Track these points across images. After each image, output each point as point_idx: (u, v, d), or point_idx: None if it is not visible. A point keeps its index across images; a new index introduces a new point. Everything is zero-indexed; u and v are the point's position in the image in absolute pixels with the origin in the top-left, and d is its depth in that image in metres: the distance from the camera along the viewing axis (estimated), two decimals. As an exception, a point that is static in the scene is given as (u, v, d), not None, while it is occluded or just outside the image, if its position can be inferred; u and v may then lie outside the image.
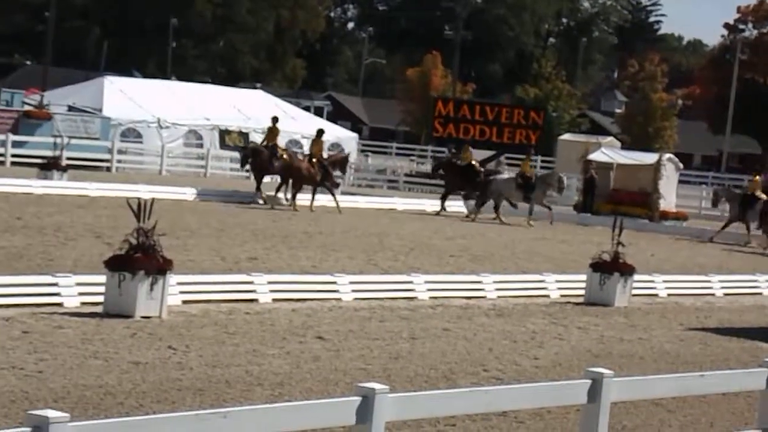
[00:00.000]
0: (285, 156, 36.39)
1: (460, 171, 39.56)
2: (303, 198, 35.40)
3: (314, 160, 35.92)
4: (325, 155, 37.92)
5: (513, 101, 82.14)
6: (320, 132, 37.80)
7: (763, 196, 37.73)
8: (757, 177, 39.96)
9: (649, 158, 46.57)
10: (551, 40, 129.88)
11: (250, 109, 53.48)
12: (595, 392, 8.82)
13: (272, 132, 37.24)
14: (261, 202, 35.51)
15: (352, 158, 54.30)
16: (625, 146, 61.56)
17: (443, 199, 39.35)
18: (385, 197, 43.10)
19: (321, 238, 27.31)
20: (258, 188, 36.36)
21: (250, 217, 31.17)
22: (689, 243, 36.32)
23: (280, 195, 35.82)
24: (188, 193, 35.54)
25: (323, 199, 36.14)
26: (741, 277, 25.14)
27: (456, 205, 41.07)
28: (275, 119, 37.91)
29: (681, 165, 47.90)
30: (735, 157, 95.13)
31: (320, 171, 35.67)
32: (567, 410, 11.39)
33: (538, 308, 19.55)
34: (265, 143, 37.20)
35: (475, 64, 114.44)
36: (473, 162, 40.02)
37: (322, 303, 17.80)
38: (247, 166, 38.43)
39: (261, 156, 36.34)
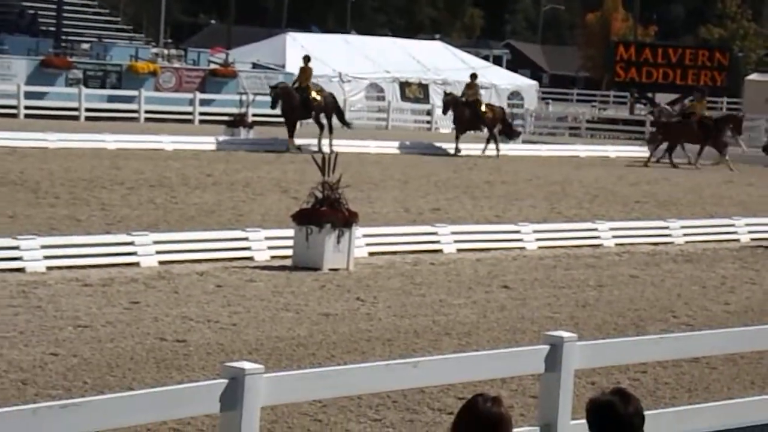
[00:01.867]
0: (318, 97, 33.81)
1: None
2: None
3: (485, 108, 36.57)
4: (481, 100, 37.93)
5: (697, 43, 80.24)
6: (473, 76, 38.35)
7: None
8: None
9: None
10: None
11: (430, 60, 53.49)
12: (789, 337, 8.65)
13: (304, 72, 34.92)
14: (295, 151, 32.78)
15: (532, 106, 53.96)
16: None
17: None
18: (567, 144, 42.69)
19: (503, 188, 27.25)
20: (290, 136, 33.62)
21: (431, 167, 31.27)
22: None
23: None
24: (371, 146, 35.79)
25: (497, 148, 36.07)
26: None
27: (637, 150, 40.42)
28: (307, 58, 35.39)
29: None
30: None
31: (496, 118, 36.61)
32: (761, 355, 11.18)
33: (728, 253, 19.17)
34: (297, 85, 34.72)
35: (657, 6, 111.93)
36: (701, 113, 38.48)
37: (507, 252, 17.80)
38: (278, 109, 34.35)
39: (292, 99, 33.54)
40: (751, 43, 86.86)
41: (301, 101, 33.74)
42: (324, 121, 33.87)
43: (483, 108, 36.95)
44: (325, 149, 30.69)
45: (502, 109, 39.62)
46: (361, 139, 36.76)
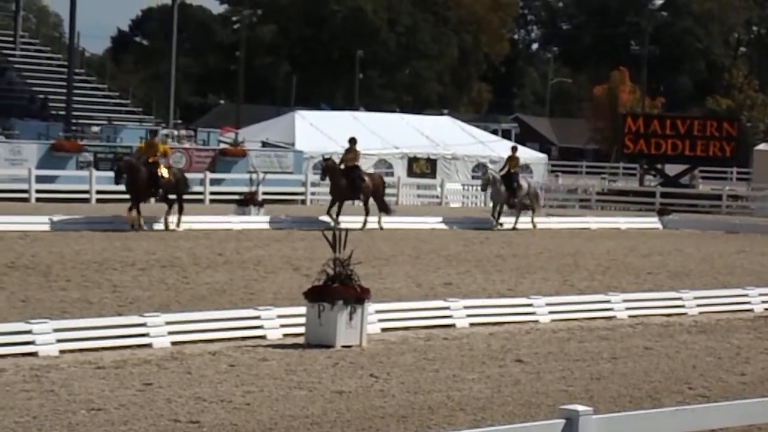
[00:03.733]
0: (166, 175, 31.55)
1: None
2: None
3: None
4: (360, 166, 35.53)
5: (704, 113, 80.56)
6: (352, 141, 35.59)
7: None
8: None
9: None
10: (742, 49, 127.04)
11: (438, 135, 53.77)
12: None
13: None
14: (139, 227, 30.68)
15: (542, 179, 54.07)
16: None
17: None
18: (577, 217, 42.73)
19: (515, 261, 27.23)
20: (133, 209, 30.94)
21: (442, 242, 31.29)
22: None
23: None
24: (375, 222, 35.81)
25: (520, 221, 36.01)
26: None
27: (643, 222, 40.44)
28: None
29: None
30: None
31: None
32: (778, 427, 11.08)
33: (742, 323, 19.09)
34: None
35: (663, 78, 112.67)
36: None
37: (520, 326, 17.75)
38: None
39: (138, 174, 31.27)
40: (759, 113, 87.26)
41: (147, 175, 31.32)
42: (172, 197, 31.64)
43: (362, 176, 34.53)
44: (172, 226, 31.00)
45: (381, 177, 37.21)
46: (370, 215, 36.78)
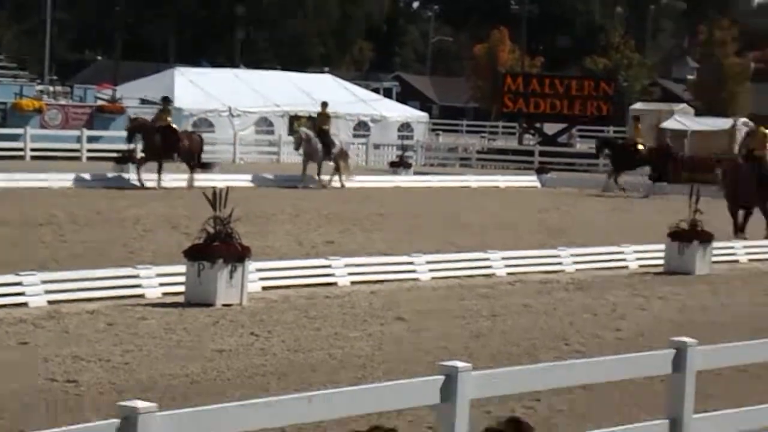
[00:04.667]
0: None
1: (621, 149, 39.05)
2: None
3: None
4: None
5: (582, 73, 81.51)
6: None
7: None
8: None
9: (724, 124, 46.07)
10: (618, 9, 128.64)
11: (320, 93, 53.59)
12: (679, 362, 8.78)
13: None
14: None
15: (422, 138, 54.29)
16: (699, 113, 60.88)
17: (613, 176, 38.60)
18: (457, 175, 43.04)
19: (395, 220, 27.34)
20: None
21: (322, 201, 31.27)
22: None
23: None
24: (254, 181, 35.64)
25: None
26: (823, 239, 24.77)
27: (522, 180, 40.90)
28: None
29: (756, 129, 47.19)
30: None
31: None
32: (652, 381, 11.31)
33: (618, 280, 19.44)
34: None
35: (542, 38, 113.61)
36: (637, 140, 39.30)
37: (401, 284, 17.84)
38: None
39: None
40: (636, 72, 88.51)
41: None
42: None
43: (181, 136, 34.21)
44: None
45: (200, 137, 36.38)
46: (252, 173, 36.61)
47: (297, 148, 37.24)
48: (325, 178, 35.75)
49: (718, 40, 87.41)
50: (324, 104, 38.06)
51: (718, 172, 25.63)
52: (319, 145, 35.87)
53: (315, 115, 51.04)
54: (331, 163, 36.26)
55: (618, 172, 38.49)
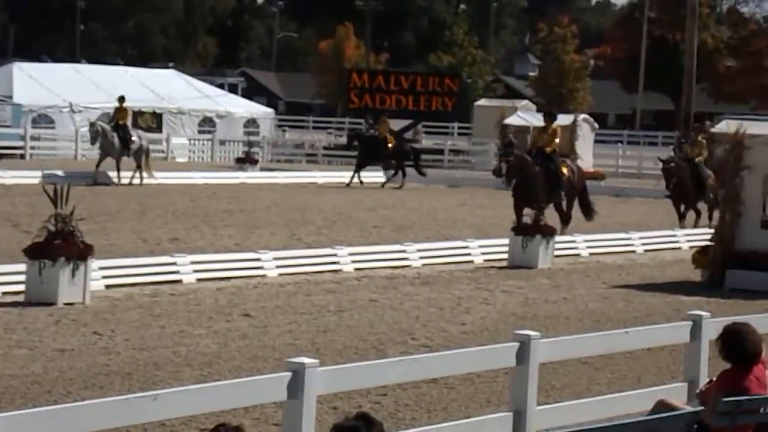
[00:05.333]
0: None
1: (371, 142, 39.21)
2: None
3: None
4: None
5: (427, 70, 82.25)
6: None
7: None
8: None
9: (565, 120, 46.89)
10: (462, 6, 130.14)
11: (164, 89, 53.02)
12: (523, 354, 8.90)
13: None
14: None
15: (269, 134, 54.10)
16: (540, 109, 61.89)
17: (357, 170, 38.83)
18: (304, 171, 42.99)
19: (242, 216, 27.19)
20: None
21: (169, 198, 30.93)
22: (607, 202, 36.66)
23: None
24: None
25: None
26: (660, 233, 25.43)
27: (371, 176, 41.07)
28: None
29: (596, 125, 48.33)
30: (649, 115, 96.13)
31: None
32: (496, 374, 11.46)
33: (463, 274, 19.64)
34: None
35: (388, 34, 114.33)
36: (386, 134, 39.49)
37: (247, 280, 17.74)
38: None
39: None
40: (479, 69, 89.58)
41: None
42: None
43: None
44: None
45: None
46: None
47: (93, 143, 35.84)
48: (126, 174, 34.56)
49: (558, 38, 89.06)
50: (121, 98, 36.61)
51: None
52: (117, 140, 34.66)
53: (160, 111, 50.61)
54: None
55: (364, 165, 38.22)
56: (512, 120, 48.04)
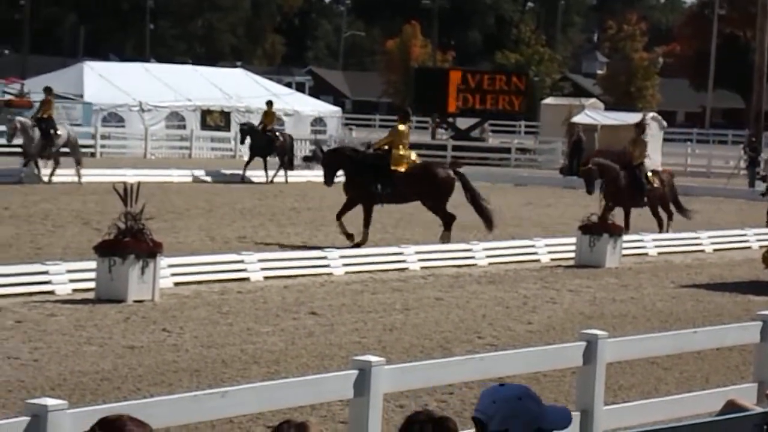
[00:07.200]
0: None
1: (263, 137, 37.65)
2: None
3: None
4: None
5: (494, 67, 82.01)
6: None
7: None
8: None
9: (633, 118, 46.57)
10: (530, 4, 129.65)
11: (231, 87, 53.33)
12: (590, 354, 8.86)
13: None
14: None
15: (336, 132, 54.25)
16: (608, 107, 61.56)
17: (246, 165, 37.91)
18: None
19: (309, 214, 27.28)
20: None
21: (236, 196, 31.11)
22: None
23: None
24: (174, 175, 35.48)
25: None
26: (729, 231, 25.20)
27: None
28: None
29: (665, 123, 47.95)
30: (718, 113, 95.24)
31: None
32: (563, 373, 11.42)
33: (530, 273, 19.58)
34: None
35: (454, 32, 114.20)
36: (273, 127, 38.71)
37: (314, 278, 17.81)
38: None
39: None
40: (546, 67, 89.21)
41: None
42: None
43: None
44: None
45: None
46: (164, 168, 36.35)
47: (10, 140, 33.33)
48: (46, 171, 32.53)
49: (627, 35, 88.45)
50: (47, 89, 35.14)
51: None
52: (37, 135, 32.26)
53: (228, 110, 50.93)
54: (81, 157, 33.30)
55: (252, 158, 37.08)
56: (580, 118, 47.76)
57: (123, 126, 48.70)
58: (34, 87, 49.77)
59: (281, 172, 36.81)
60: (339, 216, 22.10)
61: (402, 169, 22.34)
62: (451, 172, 22.58)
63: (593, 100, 62.16)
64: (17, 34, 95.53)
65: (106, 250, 15.30)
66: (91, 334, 13.19)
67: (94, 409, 6.52)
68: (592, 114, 48.72)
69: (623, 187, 24.42)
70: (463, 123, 55.68)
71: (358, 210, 22.17)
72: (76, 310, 14.50)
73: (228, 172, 37.45)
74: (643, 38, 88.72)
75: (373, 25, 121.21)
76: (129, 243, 15.26)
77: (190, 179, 35.49)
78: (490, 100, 52.69)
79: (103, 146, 46.52)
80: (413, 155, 22.81)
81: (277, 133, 37.37)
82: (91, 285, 15.40)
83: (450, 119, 55.38)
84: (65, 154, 32.64)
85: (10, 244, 19.69)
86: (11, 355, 11.95)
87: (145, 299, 15.17)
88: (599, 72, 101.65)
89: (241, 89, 53.46)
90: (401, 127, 22.76)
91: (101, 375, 11.30)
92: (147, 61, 69.39)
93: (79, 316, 14.15)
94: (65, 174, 32.63)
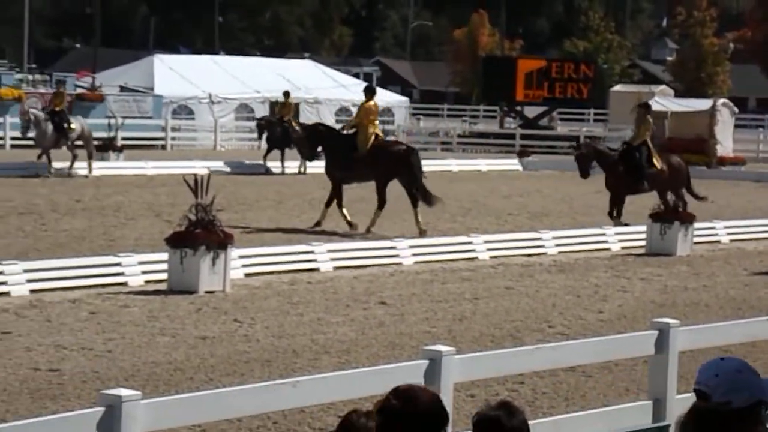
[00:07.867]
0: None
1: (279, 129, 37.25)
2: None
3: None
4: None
5: (562, 55, 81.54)
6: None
7: None
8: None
9: (704, 104, 46.13)
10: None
11: (300, 79, 53.54)
12: (662, 342, 8.80)
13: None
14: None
15: (403, 122, 54.22)
16: (678, 94, 60.98)
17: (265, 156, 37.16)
18: (439, 159, 43.00)
19: (374, 205, 27.25)
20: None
21: (305, 187, 31.22)
22: (748, 187, 35.98)
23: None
24: (243, 167, 35.66)
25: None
26: (803, 219, 24.85)
27: (503, 163, 40.95)
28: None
29: (736, 109, 47.37)
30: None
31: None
32: (635, 362, 11.35)
33: (600, 262, 19.47)
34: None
35: (522, 21, 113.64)
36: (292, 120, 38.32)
37: (383, 268, 17.84)
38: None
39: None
40: (615, 55, 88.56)
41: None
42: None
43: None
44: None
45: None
46: (234, 159, 36.55)
47: (24, 134, 32.95)
48: (58, 165, 31.95)
49: (697, 21, 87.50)
50: (59, 82, 34.82)
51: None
52: (51, 128, 31.82)
53: (296, 101, 51.11)
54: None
55: (270, 150, 36.60)
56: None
57: (193, 118, 49.07)
58: (105, 80, 50.34)
59: (296, 163, 35.58)
60: (338, 206, 22.34)
61: (363, 151, 22.87)
62: (404, 148, 23.50)
63: (663, 86, 61.58)
64: (88, 28, 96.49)
65: (178, 241, 15.43)
66: (163, 324, 13.31)
67: (168, 399, 6.59)
68: (662, 101, 48.24)
69: (621, 173, 23.54)
70: (530, 111, 55.44)
71: (369, 198, 22.45)
72: (149, 301, 14.64)
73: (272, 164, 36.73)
74: (713, 24, 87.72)
75: (440, 15, 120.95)
76: (200, 234, 15.38)
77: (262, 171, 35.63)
78: (559, 88, 52.40)
79: (173, 138, 46.90)
80: (378, 130, 23.28)
81: (294, 125, 36.26)
82: (163, 276, 15.55)
83: (518, 108, 55.17)
84: (79, 146, 32.16)
85: (84, 237, 19.93)
86: (85, 346, 12.10)
87: (216, 290, 15.28)
88: (669, 59, 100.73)
89: (310, 81, 53.65)
90: (368, 103, 23.03)
91: (174, 365, 11.41)
92: (216, 53, 69.79)
93: (151, 307, 14.29)
94: (87, 167, 32.12)
